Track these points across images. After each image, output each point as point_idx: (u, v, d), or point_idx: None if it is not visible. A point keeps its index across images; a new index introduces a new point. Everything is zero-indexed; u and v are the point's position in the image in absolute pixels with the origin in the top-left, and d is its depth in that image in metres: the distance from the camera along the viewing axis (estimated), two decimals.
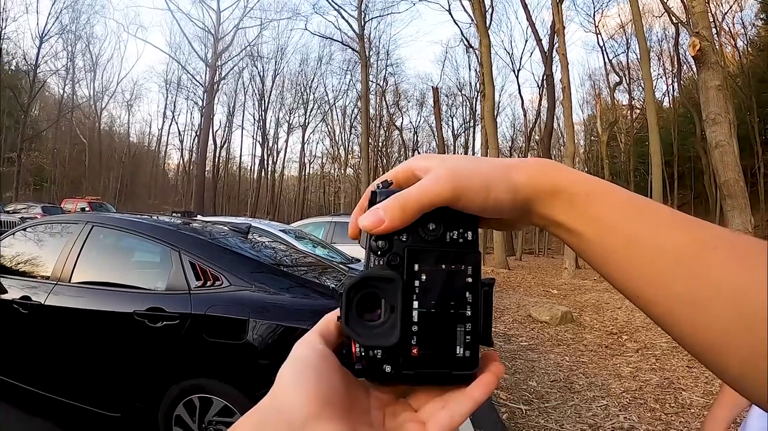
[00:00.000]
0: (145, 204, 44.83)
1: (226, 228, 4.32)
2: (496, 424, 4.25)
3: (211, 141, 48.24)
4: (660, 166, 16.70)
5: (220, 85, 46.18)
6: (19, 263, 4.45)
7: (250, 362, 3.10)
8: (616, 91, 40.57)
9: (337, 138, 55.93)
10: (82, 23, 44.84)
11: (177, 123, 57.32)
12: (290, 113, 55.44)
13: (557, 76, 24.46)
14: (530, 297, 11.79)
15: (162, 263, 3.66)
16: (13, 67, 43.01)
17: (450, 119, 50.84)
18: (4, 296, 4.01)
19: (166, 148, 60.48)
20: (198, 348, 3.20)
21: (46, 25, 38.14)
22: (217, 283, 3.34)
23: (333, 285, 3.60)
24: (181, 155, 56.91)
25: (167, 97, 55.57)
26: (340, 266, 5.22)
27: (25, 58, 41.02)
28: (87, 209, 25.30)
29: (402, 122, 52.95)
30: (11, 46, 40.79)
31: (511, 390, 5.17)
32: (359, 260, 7.63)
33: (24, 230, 4.61)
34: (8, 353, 4.06)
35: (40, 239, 4.50)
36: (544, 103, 33.57)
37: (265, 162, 54.63)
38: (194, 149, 52.12)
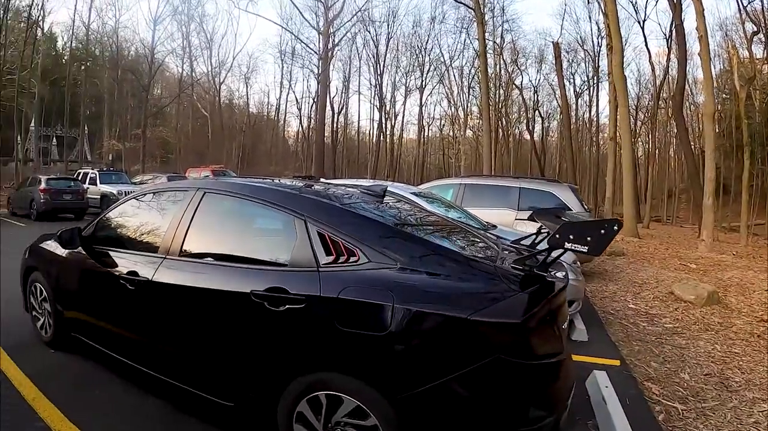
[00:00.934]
0: (267, 170, 45.76)
1: (357, 191, 3.68)
2: (652, 427, 3.79)
3: (328, 108, 48.60)
4: None
5: (335, 52, 46.06)
6: (127, 235, 4.18)
7: (393, 358, 2.51)
8: (753, 42, 35.89)
9: (455, 99, 54.23)
10: (193, 4, 46.47)
11: (294, 92, 58.25)
12: (406, 76, 54.30)
13: (687, 25, 22.08)
14: (667, 271, 10.77)
15: (284, 234, 3.12)
16: (132, 53, 46.38)
17: (571, 77, 47.76)
18: (112, 271, 3.77)
19: (285, 116, 61.51)
20: (328, 338, 2.66)
21: (157, 9, 39.52)
22: (352, 259, 2.77)
23: (494, 262, 2.89)
24: (300, 123, 57.78)
25: (283, 67, 56.31)
26: (487, 234, 4.46)
27: (142, 43, 43.78)
28: (210, 176, 25.99)
29: (522, 81, 50.50)
30: (129, 33, 44.51)
31: (663, 383, 4.66)
32: (494, 227, 6.99)
33: (134, 199, 4.32)
34: (118, 330, 3.82)
35: (149, 209, 4.20)
36: (673, 57, 30.66)
37: (383, 126, 54.33)
38: (312, 115, 52.84)
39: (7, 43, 32.88)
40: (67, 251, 4.33)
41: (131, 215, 4.28)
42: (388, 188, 3.77)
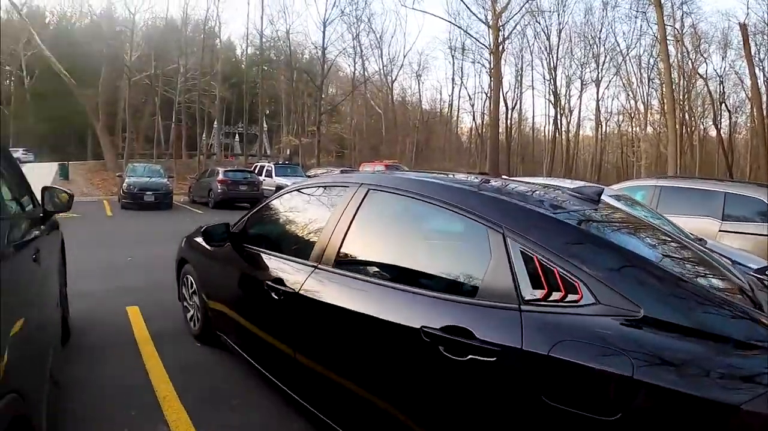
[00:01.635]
0: (440, 167, 44.85)
1: (564, 194, 2.71)
2: None
3: (501, 103, 46.71)
4: None
5: (505, 46, 44.06)
6: (277, 235, 3.73)
7: None
8: None
9: (633, 92, 49.41)
10: (360, 6, 46.02)
11: (466, 88, 57.15)
12: (581, 68, 50.44)
13: None
14: None
15: (472, 251, 2.27)
16: (306, 55, 48.38)
17: (760, 63, 40.80)
18: (258, 274, 3.33)
19: (458, 112, 60.18)
20: (526, 414, 1.74)
21: (326, 12, 40.76)
22: (572, 297, 1.79)
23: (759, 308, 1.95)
24: (473, 118, 56.30)
25: (454, 63, 55.79)
26: (724, 261, 3.25)
27: (314, 45, 45.13)
28: (384, 171, 25.98)
29: (706, 70, 44.31)
30: (301, 37, 46.47)
31: None
32: (704, 240, 5.41)
33: (287, 194, 3.75)
34: (260, 338, 3.36)
35: (303, 207, 3.62)
36: None
37: (558, 122, 51.10)
38: (485, 111, 51.19)
39: (188, 52, 37.88)
40: (215, 246, 3.99)
41: (284, 213, 3.79)
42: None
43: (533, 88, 55.35)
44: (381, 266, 2.65)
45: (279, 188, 20.70)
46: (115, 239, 11.32)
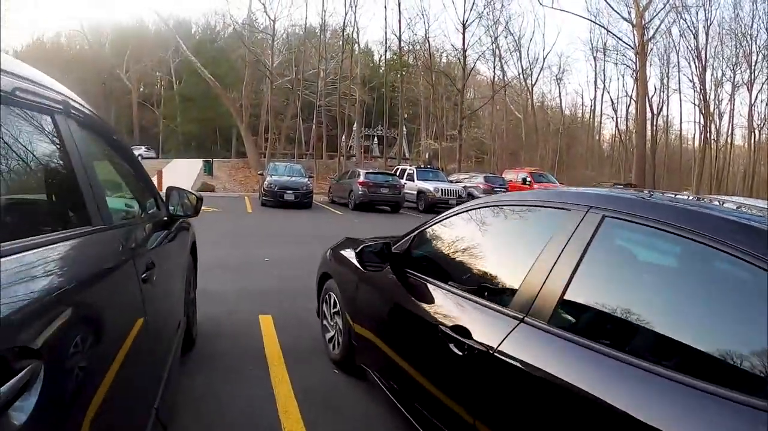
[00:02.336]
0: (581, 176, 42.89)
1: None
2: None
3: (647, 108, 43.05)
4: None
5: (650, 46, 40.50)
6: (457, 266, 2.79)
7: None
8: None
9: None
10: (497, 8, 43.75)
11: (609, 92, 53.57)
12: (733, 69, 44.68)
13: None
14: None
15: None
16: (444, 59, 48.14)
17: None
18: (429, 313, 2.55)
19: (601, 117, 57.22)
20: None
21: (464, 14, 39.06)
22: None
23: None
24: (616, 124, 53.18)
25: (596, 65, 51.98)
26: None
27: (453, 46, 44.62)
28: (528, 179, 24.51)
29: None
30: (439, 41, 48.87)
31: None
32: None
33: (467, 212, 2.88)
34: (423, 392, 2.51)
35: (493, 231, 2.76)
36: None
37: (708, 129, 45.19)
38: (629, 116, 47.99)
39: (327, 57, 39.12)
40: (372, 269, 3.20)
41: (466, 236, 2.89)
42: None
43: (680, 92, 50.79)
44: (632, 333, 1.72)
45: (421, 192, 20.45)
46: (253, 237, 10.94)
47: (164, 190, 3.13)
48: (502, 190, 22.36)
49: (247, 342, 4.30)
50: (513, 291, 2.11)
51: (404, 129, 46.29)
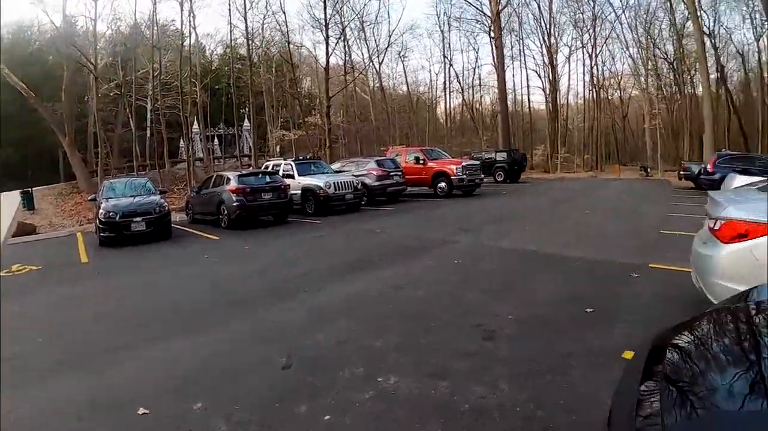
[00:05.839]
0: (432, 146, 42.27)
1: None
2: None
3: (495, 78, 44.21)
4: None
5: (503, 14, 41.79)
6: None
7: None
8: None
9: (631, 55, 46.17)
10: None
11: (452, 65, 53.63)
12: (574, 35, 48.20)
13: None
14: None
15: None
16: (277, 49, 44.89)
17: None
18: None
19: (447, 92, 56.34)
20: None
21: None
22: None
23: None
24: (462, 95, 53.50)
25: (443, 40, 51.98)
26: None
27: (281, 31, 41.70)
28: (422, 158, 21.61)
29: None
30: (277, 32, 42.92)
31: None
32: None
33: None
34: None
35: None
36: None
37: (551, 92, 48.86)
38: (473, 88, 50.54)
39: (161, 52, 34.46)
40: None
41: None
42: None
43: (523, 55, 52.11)
44: None
45: (307, 191, 16.14)
46: (97, 338, 5.32)
47: None
48: (397, 174, 19.34)
49: None
50: None
51: (247, 124, 43.19)
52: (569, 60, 51.28)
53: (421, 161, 21.11)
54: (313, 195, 16.00)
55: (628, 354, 3.91)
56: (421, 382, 3.69)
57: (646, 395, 1.71)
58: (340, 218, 14.80)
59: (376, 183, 18.57)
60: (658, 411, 1.52)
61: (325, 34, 34.79)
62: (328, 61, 35.35)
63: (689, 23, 35.39)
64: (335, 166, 20.23)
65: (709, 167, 19.88)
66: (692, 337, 2.03)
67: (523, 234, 10.69)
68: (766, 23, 35.55)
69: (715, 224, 4.62)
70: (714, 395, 1.59)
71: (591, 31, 46.93)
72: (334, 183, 16.01)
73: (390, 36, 50.20)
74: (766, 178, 10.77)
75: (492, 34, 42.65)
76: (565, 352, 4.17)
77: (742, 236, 4.35)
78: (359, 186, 16.79)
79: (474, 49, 67.58)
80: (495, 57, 42.87)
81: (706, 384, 1.66)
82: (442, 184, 20.36)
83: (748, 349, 1.85)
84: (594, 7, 45.70)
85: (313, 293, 6.53)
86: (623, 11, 45.31)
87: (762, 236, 4.22)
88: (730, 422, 1.41)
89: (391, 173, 19.11)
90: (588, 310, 5.28)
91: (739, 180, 12.08)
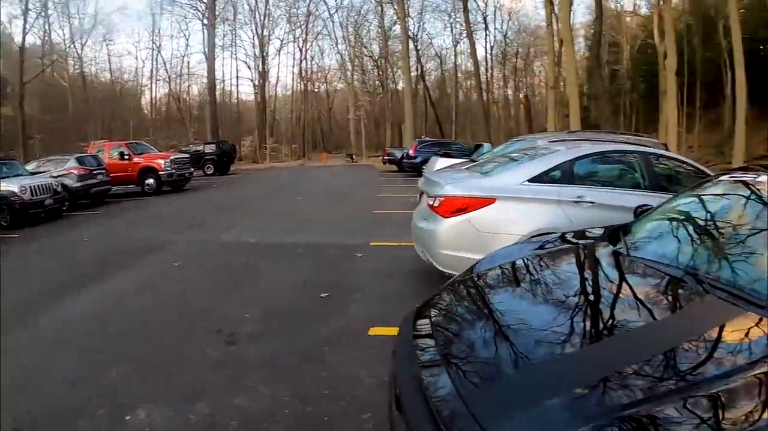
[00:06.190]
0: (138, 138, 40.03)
1: None
2: None
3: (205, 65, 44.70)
4: None
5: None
6: None
7: None
8: None
9: (339, 51, 53.02)
10: None
11: (161, 54, 51.95)
12: (285, 28, 52.82)
13: None
14: None
15: None
16: None
17: None
18: None
19: (153, 82, 55.42)
20: None
21: None
22: None
23: None
24: (169, 86, 53.01)
25: (153, 23, 51.18)
26: None
27: None
28: (127, 153, 20.82)
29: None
30: None
31: None
32: None
33: None
34: None
35: None
36: None
37: (259, 83, 51.51)
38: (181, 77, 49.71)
39: None
40: None
41: None
42: None
43: (234, 46, 53.97)
44: None
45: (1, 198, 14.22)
46: None
47: None
48: (101, 172, 17.91)
49: None
50: None
51: None
52: (279, 53, 54.81)
53: (126, 157, 20.20)
54: (7, 204, 13.28)
55: (374, 330, 4.42)
56: (177, 407, 3.35)
57: (429, 370, 1.92)
58: (43, 229, 12.55)
59: (78, 184, 16.49)
60: (449, 386, 1.71)
61: (24, 6, 31.67)
62: (24, 40, 32.03)
63: (396, 26, 41.18)
64: (30, 166, 18.38)
65: (411, 151, 23.45)
66: (443, 309, 2.53)
67: (242, 227, 10.78)
68: (464, 32, 42.45)
69: (434, 201, 5.27)
70: (475, 350, 1.97)
71: (304, 26, 51.37)
72: (32, 187, 13.77)
73: (96, 15, 47.22)
74: (465, 160, 12.50)
75: (206, 21, 43.31)
76: (313, 340, 4.31)
77: (461, 210, 5.02)
78: (59, 189, 14.92)
79: (185, 35, 67.46)
80: (206, 45, 43.75)
81: (467, 343, 2.07)
82: (150, 180, 19.85)
83: (482, 307, 2.36)
84: (309, 4, 50.20)
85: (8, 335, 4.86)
86: (336, 10, 50.48)
87: (479, 207, 5.00)
88: (508, 378, 1.71)
89: (95, 172, 17.53)
90: (323, 295, 5.57)
91: (441, 162, 12.87)
